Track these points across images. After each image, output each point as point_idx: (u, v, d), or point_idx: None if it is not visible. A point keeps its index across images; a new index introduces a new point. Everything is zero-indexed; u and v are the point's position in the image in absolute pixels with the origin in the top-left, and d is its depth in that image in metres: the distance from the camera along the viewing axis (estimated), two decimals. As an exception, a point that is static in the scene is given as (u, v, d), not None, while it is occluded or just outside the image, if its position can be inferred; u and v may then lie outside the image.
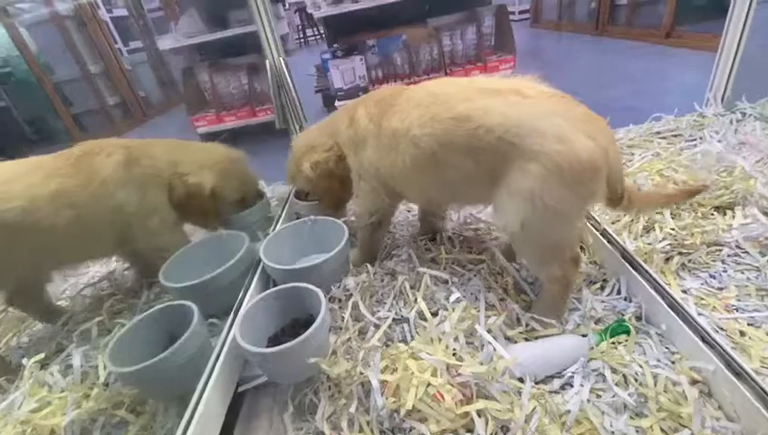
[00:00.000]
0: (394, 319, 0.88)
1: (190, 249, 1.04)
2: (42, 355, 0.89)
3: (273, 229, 1.12)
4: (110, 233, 1.00)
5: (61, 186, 0.90)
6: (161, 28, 4.10)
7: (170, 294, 0.94)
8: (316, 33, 7.62)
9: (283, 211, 1.26)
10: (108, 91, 4.53)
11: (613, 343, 0.76)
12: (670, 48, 3.08)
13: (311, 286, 0.80)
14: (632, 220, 1.07)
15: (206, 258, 1.02)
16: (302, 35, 7.80)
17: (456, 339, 0.77)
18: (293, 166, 1.09)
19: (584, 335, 0.78)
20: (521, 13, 5.43)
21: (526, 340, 0.80)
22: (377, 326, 0.86)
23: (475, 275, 0.97)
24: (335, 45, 2.87)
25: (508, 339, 0.80)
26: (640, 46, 3.31)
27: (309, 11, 3.02)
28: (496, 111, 0.70)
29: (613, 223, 1.09)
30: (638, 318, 0.82)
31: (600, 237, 0.99)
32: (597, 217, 1.05)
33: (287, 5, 6.81)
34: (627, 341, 0.76)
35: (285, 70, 1.40)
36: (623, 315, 0.83)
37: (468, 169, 0.75)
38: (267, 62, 1.39)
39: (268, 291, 0.82)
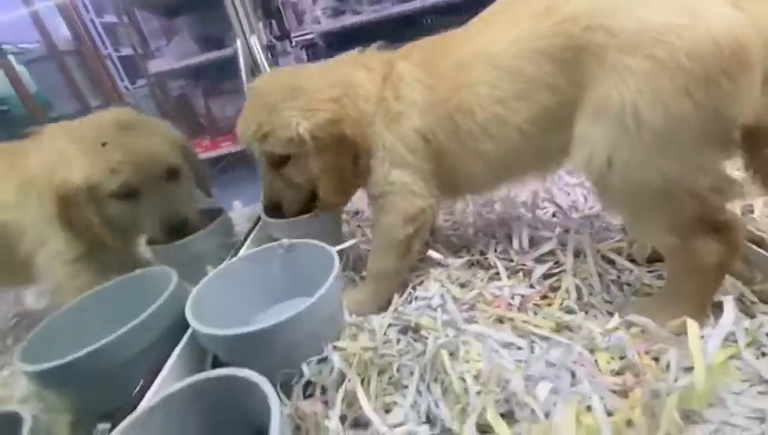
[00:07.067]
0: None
1: (87, 300, 0.65)
2: None
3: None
4: None
5: None
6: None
7: (32, 382, 0.54)
8: (323, 66, 7.63)
9: (248, 238, 0.84)
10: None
11: None
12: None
13: (251, 376, 0.39)
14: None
15: (114, 314, 0.63)
16: (309, 70, 7.81)
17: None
18: (264, 116, 0.68)
19: None
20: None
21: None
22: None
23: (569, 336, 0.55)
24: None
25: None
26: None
27: (308, 31, 2.88)
28: None
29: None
30: None
31: None
32: None
33: (294, 43, 6.86)
34: None
35: (261, 55, 1.07)
36: None
37: (562, 87, 0.52)
38: (239, 41, 1.06)
39: (177, 386, 0.42)
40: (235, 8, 1.05)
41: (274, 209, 0.76)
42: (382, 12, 2.53)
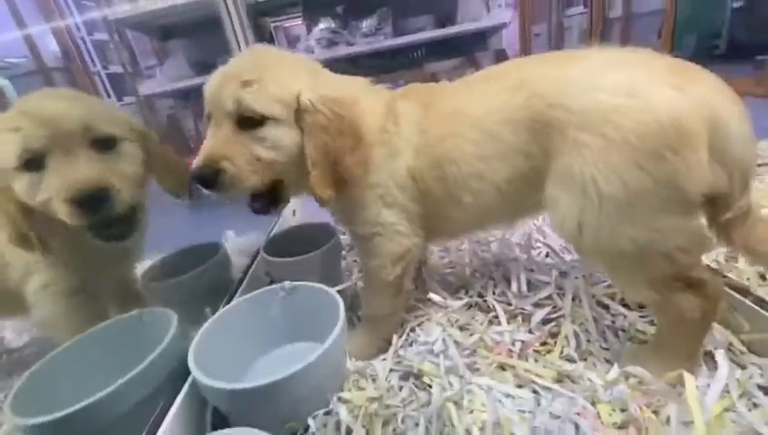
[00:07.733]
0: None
1: (82, 342, 0.63)
2: None
3: (226, 304, 0.71)
4: None
5: None
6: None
7: None
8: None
9: (246, 276, 0.83)
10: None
11: None
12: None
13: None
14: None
15: (111, 358, 0.61)
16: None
17: None
18: (259, 69, 0.57)
19: None
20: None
21: None
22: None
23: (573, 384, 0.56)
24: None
25: None
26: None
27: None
28: (548, 73, 0.55)
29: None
30: None
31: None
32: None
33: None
34: None
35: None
36: None
37: (535, 154, 0.56)
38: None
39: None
40: (236, 37, 1.07)
41: (206, 179, 0.56)
42: (375, 44, 2.62)
